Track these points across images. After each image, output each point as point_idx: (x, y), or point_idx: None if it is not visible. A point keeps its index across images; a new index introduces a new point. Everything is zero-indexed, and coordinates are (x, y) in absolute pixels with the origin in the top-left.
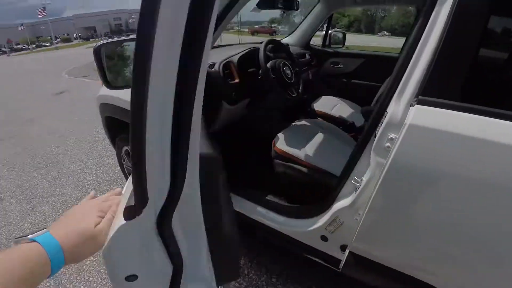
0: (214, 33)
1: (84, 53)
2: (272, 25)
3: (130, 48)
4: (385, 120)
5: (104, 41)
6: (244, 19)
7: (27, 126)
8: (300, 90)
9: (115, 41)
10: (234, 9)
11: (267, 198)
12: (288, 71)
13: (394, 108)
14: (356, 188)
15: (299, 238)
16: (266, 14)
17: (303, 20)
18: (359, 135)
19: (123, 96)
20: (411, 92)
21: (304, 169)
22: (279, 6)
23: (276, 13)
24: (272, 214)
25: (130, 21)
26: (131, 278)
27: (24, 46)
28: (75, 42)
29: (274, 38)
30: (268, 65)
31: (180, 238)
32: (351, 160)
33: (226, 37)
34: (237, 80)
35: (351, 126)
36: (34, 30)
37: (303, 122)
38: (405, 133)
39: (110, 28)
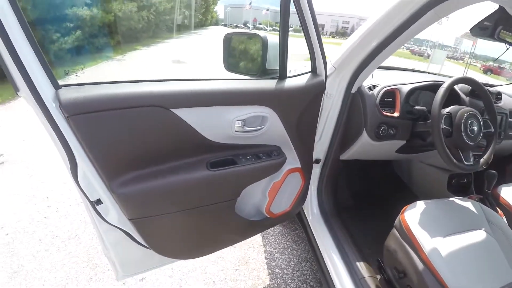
0: (379, 53)
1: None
2: None
3: (250, 41)
4: None
5: (233, 31)
6: (480, 52)
7: None
8: (482, 160)
9: (242, 32)
10: (411, 30)
11: (358, 267)
12: (475, 128)
13: None
14: None
15: None
16: None
17: None
18: None
19: None
20: None
21: (419, 266)
22: (499, 37)
23: None
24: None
25: (356, 27)
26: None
27: (264, 27)
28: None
29: (474, 79)
30: (447, 110)
31: None
32: None
33: (449, 67)
34: (396, 114)
35: None
36: (275, 16)
37: (469, 205)
38: None
39: (336, 29)
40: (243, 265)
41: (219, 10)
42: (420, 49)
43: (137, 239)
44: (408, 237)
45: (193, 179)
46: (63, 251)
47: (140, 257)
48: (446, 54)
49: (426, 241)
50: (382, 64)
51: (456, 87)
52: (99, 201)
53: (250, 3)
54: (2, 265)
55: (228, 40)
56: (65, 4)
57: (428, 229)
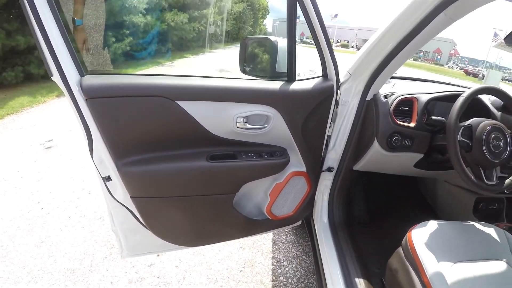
0: (393, 58)
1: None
2: None
3: (264, 45)
4: None
5: (250, 36)
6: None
7: None
8: (507, 181)
9: (257, 37)
10: (424, 35)
11: (357, 284)
12: (500, 143)
13: None
14: None
15: None
16: None
17: None
18: None
19: None
20: None
21: None
22: None
23: None
24: None
25: None
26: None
27: (310, 41)
28: (350, 49)
29: (502, 89)
30: (467, 122)
31: None
32: None
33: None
34: (412, 124)
35: None
36: None
37: (492, 231)
38: None
39: (362, 42)
40: (248, 267)
41: (268, 23)
42: (475, 69)
43: (139, 219)
44: (412, 258)
45: (192, 168)
46: (87, 229)
47: (144, 239)
48: (501, 75)
49: (431, 264)
50: (412, 76)
51: (487, 100)
52: (109, 178)
53: (298, 17)
54: (33, 235)
55: (244, 45)
56: (123, 12)
57: (437, 252)
